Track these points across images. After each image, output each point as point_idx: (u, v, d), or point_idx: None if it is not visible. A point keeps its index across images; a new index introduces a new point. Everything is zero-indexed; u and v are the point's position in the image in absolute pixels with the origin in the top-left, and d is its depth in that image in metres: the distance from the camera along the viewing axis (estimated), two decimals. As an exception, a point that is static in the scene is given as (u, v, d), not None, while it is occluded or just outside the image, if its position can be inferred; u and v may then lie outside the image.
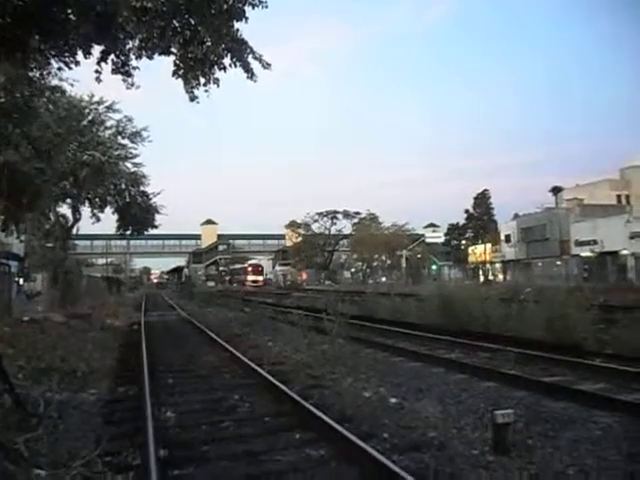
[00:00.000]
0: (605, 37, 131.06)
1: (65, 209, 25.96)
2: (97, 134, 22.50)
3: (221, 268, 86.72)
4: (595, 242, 41.36)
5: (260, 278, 70.97)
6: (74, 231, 26.78)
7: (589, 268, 41.35)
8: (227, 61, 8.56)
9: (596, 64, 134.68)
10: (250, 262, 76.92)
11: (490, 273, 54.19)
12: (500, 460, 4.43)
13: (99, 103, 22.35)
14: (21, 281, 35.29)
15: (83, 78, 12.75)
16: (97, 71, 8.46)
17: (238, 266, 79.70)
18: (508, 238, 53.50)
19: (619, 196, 61.90)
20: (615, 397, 6.14)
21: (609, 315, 11.44)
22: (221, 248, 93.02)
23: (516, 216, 55.15)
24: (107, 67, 8.52)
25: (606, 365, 7.89)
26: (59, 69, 9.71)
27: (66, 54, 8.54)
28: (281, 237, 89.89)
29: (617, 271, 39.13)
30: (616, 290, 23.11)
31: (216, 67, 8.69)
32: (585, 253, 42.48)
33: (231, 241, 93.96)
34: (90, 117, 22.34)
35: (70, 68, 9.09)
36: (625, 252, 38.93)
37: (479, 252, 58.98)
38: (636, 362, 7.94)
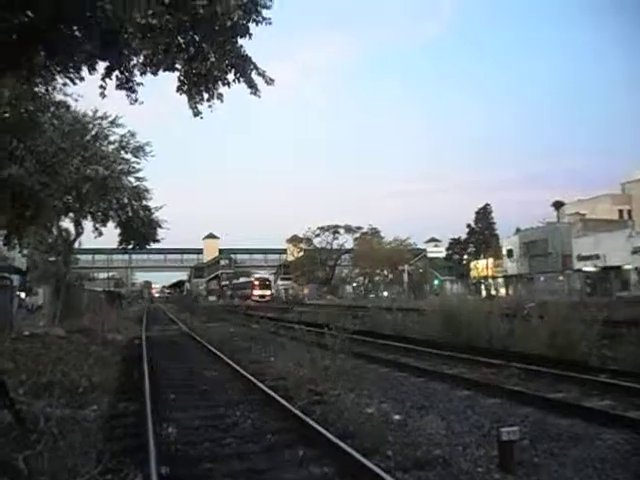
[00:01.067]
0: (605, 50, 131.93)
1: (67, 223, 26.02)
2: (100, 149, 22.62)
3: (223, 282, 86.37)
4: (597, 257, 41.28)
5: (268, 292, 67.46)
6: (76, 245, 26.83)
7: (592, 283, 41.21)
8: (231, 77, 8.63)
9: (596, 77, 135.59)
10: (256, 276, 73.36)
11: (492, 288, 53.98)
12: (506, 478, 4.37)
13: (103, 118, 22.51)
14: (23, 295, 35.25)
15: (87, 93, 12.86)
16: (102, 86, 8.52)
17: (243, 280, 76.47)
18: (510, 253, 53.41)
19: (621, 211, 61.93)
20: (622, 414, 6.07)
21: (612, 330, 11.37)
22: (223, 263, 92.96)
23: (518, 230, 55.11)
24: (111, 83, 8.59)
25: (611, 381, 7.82)
26: (64, 85, 9.83)
27: (71, 70, 8.61)
28: (283, 252, 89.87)
29: (620, 286, 38.98)
30: (619, 305, 23.01)
31: (220, 83, 8.75)
32: (587, 268, 42.37)
33: (233, 255, 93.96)
34: (94, 132, 22.48)
35: (75, 84, 9.17)
36: (628, 267, 38.83)
37: (481, 267, 58.85)
38: (641, 378, 7.88)
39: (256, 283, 68.59)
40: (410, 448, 5.19)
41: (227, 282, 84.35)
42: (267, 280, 71.35)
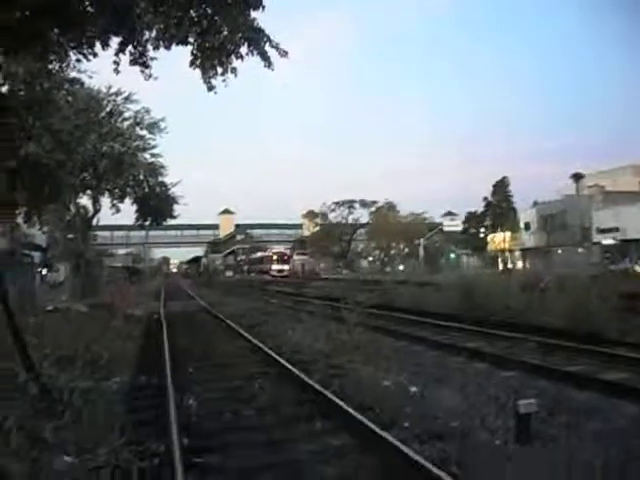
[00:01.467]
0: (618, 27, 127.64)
1: (85, 200, 26.33)
2: (116, 125, 22.70)
3: (239, 258, 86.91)
4: (617, 230, 40.60)
5: (286, 267, 65.13)
6: (94, 222, 27.15)
7: (611, 256, 40.65)
8: (244, 50, 8.51)
9: (611, 54, 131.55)
10: (274, 250, 70.63)
11: (509, 261, 53.58)
12: (523, 450, 4.39)
13: (117, 94, 22.53)
14: (44, 271, 35.94)
15: (101, 70, 12.84)
16: (115, 62, 8.47)
17: (260, 254, 74.61)
18: (527, 226, 52.77)
19: (643, 182, 60.61)
20: (638, 387, 6.04)
21: (632, 303, 11.25)
22: (239, 238, 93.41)
23: (535, 203, 54.35)
24: (125, 58, 8.54)
25: (629, 355, 7.77)
26: (77, 61, 9.76)
27: (84, 46, 8.56)
28: (299, 227, 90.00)
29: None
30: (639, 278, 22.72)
31: (233, 56, 8.64)
32: (607, 241, 41.74)
33: (249, 231, 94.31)
34: (108, 108, 22.53)
35: (88, 60, 9.13)
36: (648, 239, 38.16)
37: (498, 240, 58.35)
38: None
39: (274, 258, 66.59)
40: (427, 420, 5.23)
41: (243, 257, 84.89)
42: (285, 255, 69.33)
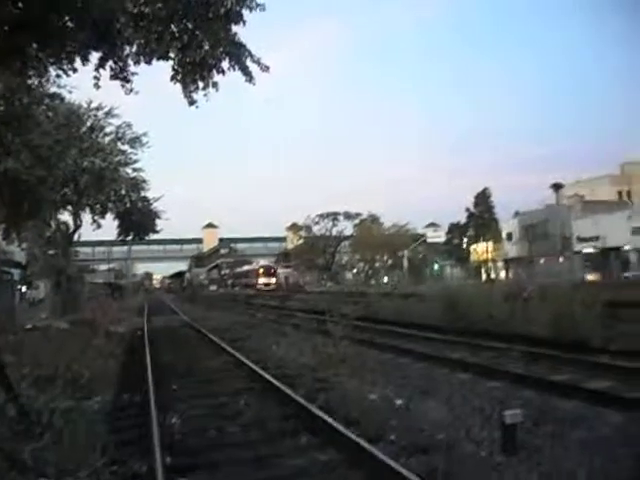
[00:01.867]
0: (601, 32, 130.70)
1: (66, 216, 26.02)
2: (97, 140, 22.55)
3: (223, 272, 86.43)
4: (597, 238, 41.28)
5: (273, 280, 64.39)
6: (75, 238, 26.83)
7: (592, 264, 41.28)
8: (225, 64, 8.56)
9: (591, 60, 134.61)
10: (260, 263, 70.66)
11: (492, 271, 54.08)
12: (509, 461, 4.39)
13: (98, 109, 22.42)
14: (24, 288, 35.31)
15: (82, 85, 12.76)
16: (96, 77, 8.45)
17: (247, 268, 74.10)
18: (510, 236, 53.42)
19: (620, 192, 61.90)
20: (623, 395, 6.09)
21: (614, 311, 11.39)
22: (223, 252, 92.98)
23: (517, 214, 55.06)
24: (106, 73, 8.51)
25: (613, 363, 7.85)
26: (57, 76, 9.72)
27: (64, 61, 8.53)
28: (282, 240, 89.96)
29: (620, 267, 39.06)
30: (619, 286, 23.07)
31: (215, 71, 8.67)
32: (587, 249, 42.40)
33: (232, 244, 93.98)
34: (89, 123, 22.39)
35: (68, 75, 9.10)
36: (627, 248, 38.85)
37: (481, 250, 58.90)
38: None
39: (260, 271, 66.13)
40: (413, 433, 5.21)
41: (227, 271, 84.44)
42: (272, 268, 69.10)
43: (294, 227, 77.58)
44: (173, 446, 5.15)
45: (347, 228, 72.87)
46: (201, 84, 8.78)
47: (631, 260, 38.36)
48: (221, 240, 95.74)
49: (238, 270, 77.53)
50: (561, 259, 44.97)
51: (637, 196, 58.79)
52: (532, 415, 5.50)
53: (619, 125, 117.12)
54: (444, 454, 4.58)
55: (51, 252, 27.68)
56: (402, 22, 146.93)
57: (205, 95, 8.97)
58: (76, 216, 25.47)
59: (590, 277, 33.18)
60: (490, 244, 57.81)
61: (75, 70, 8.77)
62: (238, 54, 8.44)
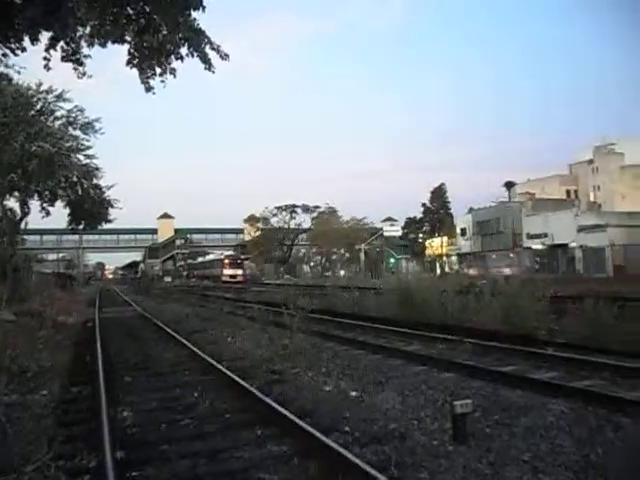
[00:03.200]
0: (550, 30, 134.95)
1: (13, 202, 24.91)
2: (46, 124, 21.62)
3: (178, 263, 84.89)
4: (546, 235, 42.85)
5: (240, 272, 59.08)
6: (22, 225, 25.73)
7: (540, 260, 42.83)
8: (184, 51, 8.36)
9: (546, 58, 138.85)
10: (226, 253, 65.23)
11: (447, 266, 55.31)
12: (459, 449, 4.51)
13: (48, 92, 21.47)
14: (-35, 278, 33.64)
15: (31, 65, 12.21)
16: (46, 58, 8.09)
17: (211, 258, 68.45)
18: (464, 231, 54.73)
19: (568, 191, 64.50)
20: (567, 385, 6.36)
21: (560, 305, 11.87)
22: (178, 242, 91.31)
23: (471, 210, 56.50)
24: (56, 55, 8.16)
25: (558, 354, 8.18)
26: (4, 55, 9.27)
27: (11, 39, 8.13)
28: (240, 231, 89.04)
29: (566, 263, 40.69)
30: (565, 281, 24.04)
31: (173, 57, 8.46)
32: (536, 246, 43.95)
33: (189, 235, 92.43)
34: (38, 106, 21.44)
35: (16, 55, 8.68)
36: (574, 245, 40.50)
37: (436, 245, 60.15)
38: (584, 350, 8.28)
39: (226, 261, 60.53)
40: (367, 423, 5.29)
41: (183, 263, 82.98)
42: (239, 258, 63.57)
43: (252, 219, 77.02)
44: (124, 440, 5.04)
45: (305, 221, 73.08)
46: (158, 70, 8.56)
47: (576, 256, 39.98)
48: (177, 231, 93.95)
49: (199, 260, 74.39)
50: (511, 255, 46.45)
51: (584, 195, 61.44)
52: (482, 405, 5.68)
53: (567, 124, 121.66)
54: (397, 444, 4.68)
55: (-4, 240, 26.46)
56: (369, 16, 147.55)
57: (162, 82, 8.75)
58: (24, 203, 24.43)
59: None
60: (445, 239, 59.10)
61: (24, 49, 8.37)
62: (197, 40, 8.25)
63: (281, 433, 5.08)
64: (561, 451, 4.45)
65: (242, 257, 65.07)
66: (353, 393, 6.57)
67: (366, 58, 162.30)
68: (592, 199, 59.71)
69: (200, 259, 73.76)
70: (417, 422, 5.32)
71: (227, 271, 58.27)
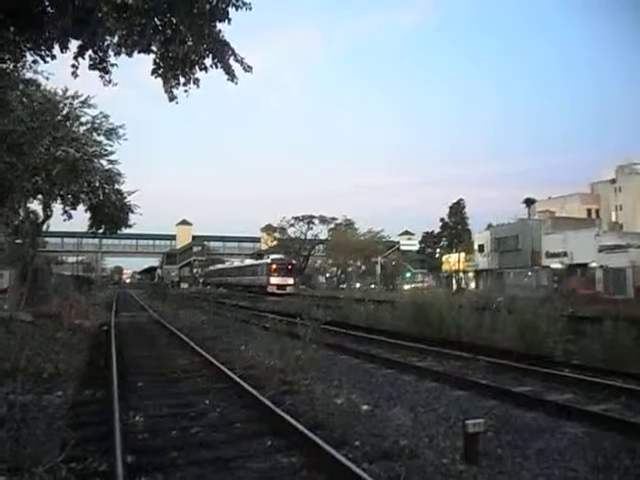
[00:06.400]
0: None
1: (36, 205, 25.35)
2: (72, 129, 22.03)
3: (195, 270, 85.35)
4: (565, 254, 42.23)
5: (290, 281, 46.33)
6: (44, 228, 26.17)
7: (559, 279, 42.19)
8: (208, 61, 8.47)
9: (562, 78, 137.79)
10: (272, 257, 50.35)
11: (463, 282, 54.78)
12: (470, 470, 4.45)
13: (74, 97, 21.90)
14: (-13, 278, 34.26)
15: (59, 72, 12.50)
16: (74, 66, 8.26)
17: (249, 262, 56.57)
18: (481, 248, 54.20)
19: (589, 210, 63.66)
20: (582, 408, 6.24)
21: (577, 326, 11.67)
22: (195, 249, 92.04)
23: (490, 226, 55.99)
24: (84, 62, 8.33)
25: (574, 376, 8.03)
26: (34, 62, 9.47)
27: (42, 47, 8.33)
28: (257, 240, 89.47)
29: (585, 283, 40.01)
30: (584, 301, 23.63)
31: (197, 67, 8.58)
32: (555, 264, 43.33)
33: (206, 242, 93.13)
34: (65, 112, 21.87)
35: (46, 62, 8.87)
36: (594, 265, 39.84)
37: (453, 261, 59.64)
38: (601, 373, 8.12)
39: (274, 267, 46.61)
40: (378, 439, 5.24)
41: (199, 269, 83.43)
42: (290, 263, 50.03)
43: (269, 228, 77.30)
44: (136, 444, 5.07)
45: (322, 232, 73.04)
46: (182, 80, 8.67)
47: (597, 276, 39.30)
48: (194, 238, 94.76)
49: (234, 265, 63.97)
50: (530, 273, 45.85)
51: (605, 215, 60.57)
52: (495, 425, 5.60)
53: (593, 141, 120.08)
54: (407, 461, 4.63)
55: (18, 241, 26.91)
56: (384, 30, 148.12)
57: (186, 91, 8.87)
58: (46, 206, 24.84)
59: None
60: (462, 255, 58.60)
61: (53, 57, 8.56)
62: (221, 52, 8.36)
63: (291, 445, 5.06)
64: (575, 476, 4.36)
65: (293, 262, 52.23)
66: (365, 407, 6.53)
67: (379, 74, 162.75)
68: (614, 219, 58.85)
69: (247, 262, 60.04)
70: (428, 439, 5.27)
71: (275, 279, 45.73)
